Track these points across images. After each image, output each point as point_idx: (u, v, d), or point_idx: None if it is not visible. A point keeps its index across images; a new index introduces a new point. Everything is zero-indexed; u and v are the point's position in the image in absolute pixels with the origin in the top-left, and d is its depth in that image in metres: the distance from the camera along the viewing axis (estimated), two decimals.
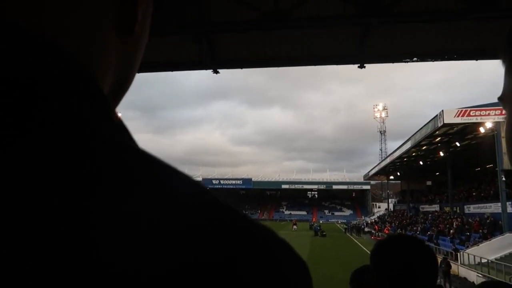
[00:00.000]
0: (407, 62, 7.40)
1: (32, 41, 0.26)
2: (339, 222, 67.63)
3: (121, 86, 0.37)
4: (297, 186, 79.48)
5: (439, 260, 15.80)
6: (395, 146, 44.22)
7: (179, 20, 5.98)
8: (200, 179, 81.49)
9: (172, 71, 8.10)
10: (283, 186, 79.70)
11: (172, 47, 7.14)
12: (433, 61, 7.47)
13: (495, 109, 22.98)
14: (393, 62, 7.69)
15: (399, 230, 39.57)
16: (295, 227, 48.05)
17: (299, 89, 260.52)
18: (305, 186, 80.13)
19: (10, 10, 0.27)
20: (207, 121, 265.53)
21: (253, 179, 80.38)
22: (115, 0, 0.32)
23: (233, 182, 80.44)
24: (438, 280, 1.31)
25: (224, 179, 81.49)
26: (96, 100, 0.27)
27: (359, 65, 7.35)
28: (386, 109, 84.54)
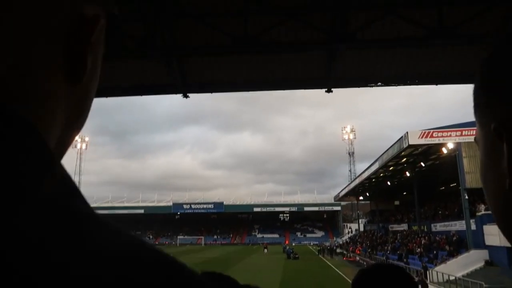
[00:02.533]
0: (372, 86, 7.67)
1: None
2: (311, 244, 67.64)
3: (72, 128, 0.36)
4: (269, 209, 79.20)
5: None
6: (363, 167, 45.26)
7: (150, 44, 5.97)
8: (171, 204, 79.83)
9: (142, 95, 8.02)
10: (255, 209, 79.22)
11: (142, 71, 7.11)
12: (396, 85, 7.78)
13: (456, 130, 24.12)
14: (358, 87, 7.96)
15: (369, 250, 39.98)
16: (266, 250, 47.74)
17: (269, 114, 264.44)
18: (277, 209, 80.00)
19: None
20: (179, 145, 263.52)
21: (224, 203, 79.52)
22: (63, 51, 0.32)
23: (205, 206, 79.23)
24: None
25: (195, 203, 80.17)
26: (36, 153, 0.27)
27: (326, 89, 7.55)
28: (354, 131, 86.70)
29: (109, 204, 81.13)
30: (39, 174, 0.26)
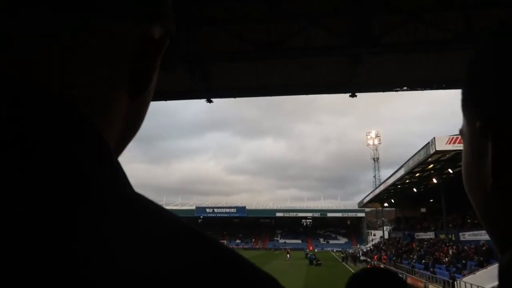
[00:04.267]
0: (397, 91, 7.53)
1: (40, 95, 0.29)
2: (334, 250, 66.70)
3: (128, 134, 0.40)
4: (291, 214, 78.74)
5: None
6: (388, 173, 44.36)
7: (174, 51, 6.08)
8: (194, 207, 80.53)
9: (166, 100, 8.15)
10: (278, 214, 78.93)
11: (166, 76, 7.22)
12: (423, 89, 7.61)
13: None
14: (383, 91, 7.82)
15: (394, 258, 39.05)
16: (288, 256, 47.30)
17: (292, 120, 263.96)
18: (300, 214, 79.42)
19: (35, 71, 0.31)
20: (202, 151, 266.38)
21: (247, 207, 79.61)
22: (131, 70, 0.36)
23: (227, 210, 79.56)
24: None
25: (217, 207, 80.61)
26: (94, 146, 0.30)
27: (350, 94, 7.47)
28: (378, 136, 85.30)
29: None
30: (112, 177, 0.29)
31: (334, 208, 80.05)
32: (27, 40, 0.31)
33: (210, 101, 7.70)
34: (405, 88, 7.41)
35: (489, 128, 0.36)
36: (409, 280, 27.05)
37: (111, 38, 0.34)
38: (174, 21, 0.40)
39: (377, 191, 48.95)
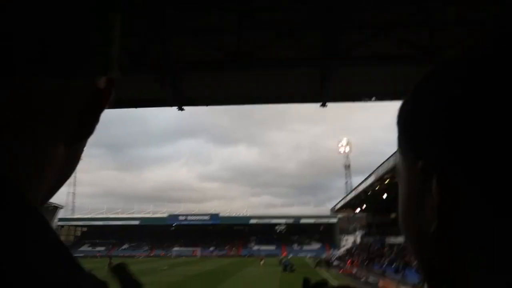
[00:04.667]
0: (366, 101, 7.72)
1: None
2: (308, 256, 67.18)
3: (63, 178, 0.39)
4: (265, 221, 78.84)
5: None
6: (359, 180, 45.26)
7: (144, 60, 6.01)
8: (166, 215, 79.28)
9: (136, 107, 8.03)
10: (251, 221, 78.83)
11: (137, 85, 7.12)
12: (391, 100, 7.83)
13: None
14: (353, 101, 8.01)
15: (366, 262, 39.71)
16: (262, 262, 47.50)
17: (264, 128, 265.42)
18: (273, 221, 79.64)
19: None
20: (174, 158, 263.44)
21: (220, 215, 79.14)
22: (75, 123, 0.35)
23: (200, 218, 78.79)
24: None
25: (191, 215, 79.72)
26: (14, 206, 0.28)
27: (321, 103, 7.59)
28: (349, 144, 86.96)
29: (104, 215, 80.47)
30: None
31: (307, 214, 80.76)
32: None
33: (181, 109, 7.64)
34: (373, 98, 7.61)
35: (435, 170, 0.34)
36: (380, 284, 27.57)
37: (51, 92, 0.33)
38: (118, 70, 0.39)
39: (349, 197, 49.80)
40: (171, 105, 7.63)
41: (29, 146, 0.32)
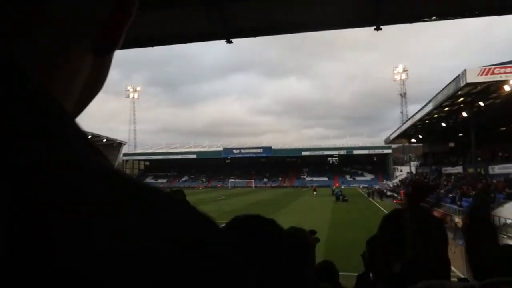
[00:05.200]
0: (425, 21, 7.12)
1: None
2: (361, 187, 67.71)
3: (91, 93, 0.39)
4: (317, 153, 79.41)
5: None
6: (415, 109, 43.36)
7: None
8: (221, 148, 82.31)
9: (185, 43, 8.06)
10: (304, 153, 79.81)
11: (183, 19, 7.09)
12: (453, 18, 7.16)
13: None
14: (410, 22, 7.42)
15: None
16: (315, 192, 48.54)
17: (315, 59, 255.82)
18: (326, 152, 79.96)
19: None
20: (226, 93, 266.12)
21: (273, 147, 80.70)
22: (100, 29, 0.35)
23: (254, 150, 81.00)
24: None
25: (244, 148, 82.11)
26: (51, 116, 0.28)
27: (375, 27, 7.13)
28: (406, 70, 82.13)
29: (163, 150, 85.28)
30: (59, 133, 0.27)
31: (360, 145, 79.92)
32: None
33: (229, 42, 7.57)
34: (434, 18, 6.99)
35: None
36: (435, 213, 27.44)
37: None
38: None
39: (404, 127, 48.19)
40: (219, 38, 7.57)
41: (56, 53, 0.33)
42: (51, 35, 0.32)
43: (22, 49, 0.31)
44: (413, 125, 42.48)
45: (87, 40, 0.34)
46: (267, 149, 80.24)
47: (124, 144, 79.35)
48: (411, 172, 57.73)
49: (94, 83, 0.39)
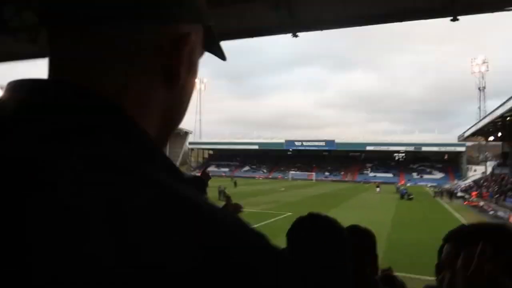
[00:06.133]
0: (509, 10, 6.57)
1: (85, 98, 0.35)
2: (428, 185, 64.15)
3: (169, 124, 0.43)
4: (382, 148, 76.48)
5: None
6: (495, 104, 39.86)
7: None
8: (283, 140, 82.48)
9: (252, 37, 8.22)
10: (368, 148, 77.31)
11: (251, 13, 7.24)
12: None
13: None
14: (491, 12, 6.88)
15: (497, 196, 36.35)
16: (378, 189, 46.85)
17: (385, 51, 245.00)
18: (392, 148, 76.70)
19: (78, 75, 0.37)
20: (291, 86, 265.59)
21: (336, 141, 79.17)
22: (161, 65, 0.40)
23: (316, 143, 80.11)
24: None
25: (306, 141, 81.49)
26: (136, 142, 0.34)
27: (451, 17, 6.72)
28: (486, 62, 75.73)
29: (227, 140, 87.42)
30: (147, 161, 0.33)
31: (430, 141, 75.51)
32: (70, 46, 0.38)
33: (295, 36, 7.60)
34: None
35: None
36: None
37: (139, 37, 0.38)
38: (208, 18, 0.44)
39: (482, 123, 44.61)
40: (285, 32, 7.62)
41: (125, 84, 0.38)
42: (132, 72, 0.38)
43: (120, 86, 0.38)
44: (492, 122, 39.19)
45: (157, 73, 0.40)
46: (330, 142, 78.91)
47: (190, 133, 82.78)
48: (486, 173, 53.49)
49: (170, 116, 0.43)
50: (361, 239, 1.86)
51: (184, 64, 0.41)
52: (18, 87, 0.37)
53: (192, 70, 0.44)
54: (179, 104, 0.44)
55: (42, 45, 6.90)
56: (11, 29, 6.52)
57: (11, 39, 6.76)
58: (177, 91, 0.42)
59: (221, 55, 0.50)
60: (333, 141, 79.10)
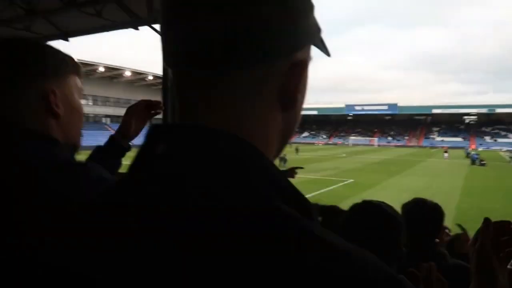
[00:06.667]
0: None
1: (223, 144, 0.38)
2: (503, 150, 59.48)
3: (286, 138, 0.47)
4: (450, 111, 71.73)
5: None
6: None
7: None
8: (343, 105, 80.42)
9: None
10: (434, 111, 72.93)
11: None
12: None
13: None
14: None
15: None
16: (445, 154, 44.03)
17: (453, 6, 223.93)
18: (461, 110, 71.67)
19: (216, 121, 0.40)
20: (351, 47, 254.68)
21: (398, 104, 75.54)
22: (280, 90, 0.42)
23: (377, 107, 77.11)
24: None
25: (367, 105, 78.72)
26: (268, 177, 0.37)
27: None
28: None
29: None
30: (271, 189, 0.36)
31: (506, 102, 69.29)
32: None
33: None
34: None
35: None
36: None
37: (269, 70, 0.40)
38: (319, 30, 0.46)
39: None
40: None
41: (258, 120, 0.41)
42: (258, 105, 0.41)
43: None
44: None
45: (276, 99, 0.42)
46: (392, 106, 75.46)
47: None
48: None
49: (289, 132, 0.46)
50: (426, 214, 1.85)
51: (302, 87, 0.44)
52: (164, 135, 0.39)
53: (306, 87, 0.45)
54: (294, 122, 0.46)
55: (105, 18, 7.25)
56: (79, 3, 6.89)
57: (78, 13, 7.15)
58: (293, 111, 0.44)
59: (326, 51, 0.51)
60: (395, 104, 75.55)
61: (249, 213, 0.32)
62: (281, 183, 0.37)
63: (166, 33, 0.41)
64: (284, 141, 0.46)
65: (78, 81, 0.88)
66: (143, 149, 0.39)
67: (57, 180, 0.71)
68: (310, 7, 0.43)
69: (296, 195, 0.37)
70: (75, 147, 0.90)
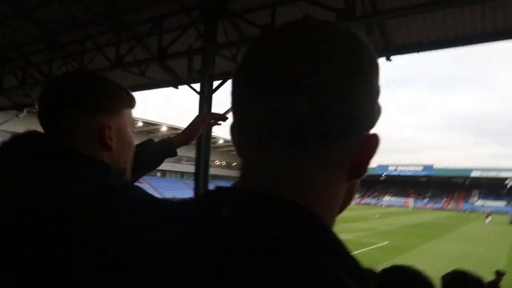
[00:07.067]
0: None
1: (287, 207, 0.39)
2: None
3: (347, 204, 0.47)
4: (491, 174, 68.66)
5: None
6: None
7: (351, 15, 6.03)
8: (375, 165, 78.95)
9: None
10: (473, 174, 70.04)
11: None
12: None
13: None
14: None
15: None
16: (488, 219, 40.76)
17: (492, 69, 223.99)
18: (503, 174, 68.46)
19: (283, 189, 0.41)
20: (386, 108, 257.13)
21: (435, 166, 73.36)
22: (350, 162, 0.43)
23: (412, 168, 75.14)
24: None
25: (401, 165, 76.94)
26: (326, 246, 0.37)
27: None
28: None
29: None
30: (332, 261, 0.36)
31: None
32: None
33: (389, 59, 7.39)
34: None
35: None
36: None
37: (341, 148, 0.41)
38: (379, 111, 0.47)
39: None
40: (378, 55, 7.47)
41: (329, 191, 0.42)
42: (329, 176, 0.42)
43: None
44: None
45: (345, 170, 0.43)
46: (428, 167, 73.33)
47: None
48: None
49: (350, 198, 0.47)
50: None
51: (371, 158, 0.44)
52: (229, 203, 0.40)
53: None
54: (355, 189, 0.47)
55: (148, 77, 7.81)
56: (125, 64, 7.50)
57: (124, 72, 7.76)
58: (357, 180, 0.45)
59: None
60: (431, 166, 73.43)
61: None
62: (347, 260, 0.37)
63: (243, 108, 0.41)
64: (343, 207, 0.46)
65: (131, 114, 0.93)
66: (202, 208, 0.41)
67: (119, 207, 0.70)
68: (381, 89, 0.45)
69: (358, 270, 0.38)
70: (124, 175, 0.93)
